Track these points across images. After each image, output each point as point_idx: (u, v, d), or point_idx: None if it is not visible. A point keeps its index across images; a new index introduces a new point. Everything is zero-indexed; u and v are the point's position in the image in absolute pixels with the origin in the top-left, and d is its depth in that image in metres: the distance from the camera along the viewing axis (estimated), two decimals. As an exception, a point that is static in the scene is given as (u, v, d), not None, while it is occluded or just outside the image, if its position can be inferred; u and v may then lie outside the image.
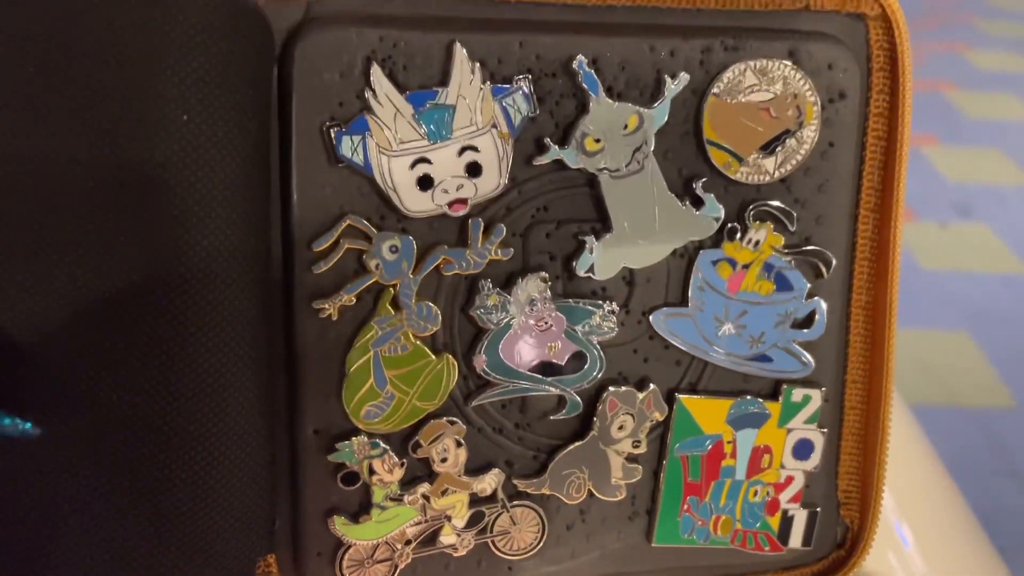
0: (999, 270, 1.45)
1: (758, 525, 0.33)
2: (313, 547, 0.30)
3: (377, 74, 0.27)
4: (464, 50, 0.27)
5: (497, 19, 0.28)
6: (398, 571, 0.30)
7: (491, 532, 0.31)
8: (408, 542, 0.30)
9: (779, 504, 0.33)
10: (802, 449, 0.33)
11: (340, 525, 0.29)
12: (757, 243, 0.31)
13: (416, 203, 0.28)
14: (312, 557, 0.30)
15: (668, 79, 0.29)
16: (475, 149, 0.28)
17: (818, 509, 0.33)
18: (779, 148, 0.30)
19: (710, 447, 0.32)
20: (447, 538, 0.31)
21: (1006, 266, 1.45)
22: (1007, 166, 1.75)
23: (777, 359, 0.32)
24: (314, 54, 0.26)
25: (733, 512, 0.33)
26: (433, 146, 0.28)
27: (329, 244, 0.28)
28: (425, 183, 0.28)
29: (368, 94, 0.27)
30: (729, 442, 0.32)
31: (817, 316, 0.32)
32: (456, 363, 0.29)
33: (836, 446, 0.34)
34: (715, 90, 0.29)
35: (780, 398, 0.32)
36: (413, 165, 0.28)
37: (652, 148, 0.29)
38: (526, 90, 0.28)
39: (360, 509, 0.30)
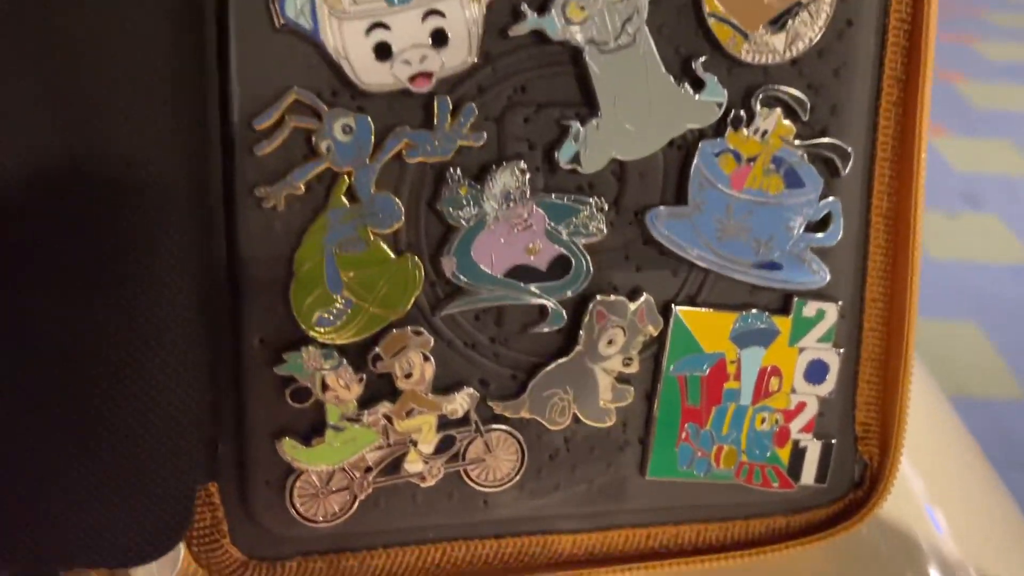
0: (1008, 260, 1.47)
1: (766, 457, 0.29)
2: (260, 474, 0.26)
3: (325, -78, 0.23)
4: None
5: None
6: (357, 502, 0.27)
7: (463, 460, 0.27)
8: (368, 469, 0.27)
9: (789, 434, 0.29)
10: (815, 371, 0.29)
11: (290, 448, 0.26)
12: (765, 133, 0.27)
13: (373, 76, 0.24)
14: (259, 486, 0.26)
15: (663, -63, 0.25)
16: (440, 14, 0.24)
17: (833, 441, 0.30)
18: (790, 23, 0.26)
19: (711, 367, 0.28)
20: (413, 465, 0.27)
21: (1015, 256, 1.47)
22: (1016, 156, 1.76)
23: (787, 267, 0.28)
24: None
25: (738, 442, 0.29)
26: (392, 9, 0.24)
27: (272, 122, 0.24)
28: (383, 52, 0.24)
29: (315, -56, 0.23)
30: (733, 362, 0.28)
31: (832, 219, 0.28)
32: (422, 265, 0.26)
33: (853, 371, 0.30)
34: (718, -48, 0.25)
35: (791, 312, 0.28)
36: (369, 30, 0.24)
37: (645, 19, 0.25)
38: (499, -55, 0.24)
39: (312, 431, 0.26)
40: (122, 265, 0.23)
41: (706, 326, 0.28)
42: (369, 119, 0.24)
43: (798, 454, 0.29)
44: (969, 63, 2.15)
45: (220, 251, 0.25)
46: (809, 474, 0.30)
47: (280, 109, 0.24)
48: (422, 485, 0.27)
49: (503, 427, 0.28)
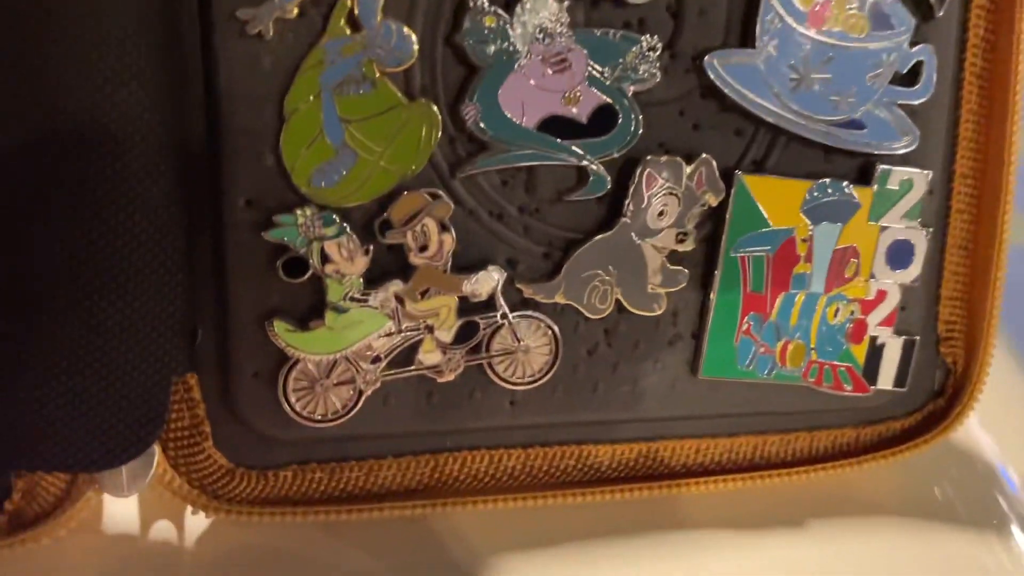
0: (1017, 242, 1.49)
1: (839, 356, 0.25)
2: (248, 364, 0.22)
3: None
4: None
5: None
6: (363, 398, 0.23)
7: (487, 351, 0.23)
8: (376, 359, 0.23)
9: (867, 328, 0.25)
10: (899, 254, 0.25)
11: (283, 332, 0.22)
12: (851, -39, 0.22)
13: None
14: (246, 378, 0.22)
15: None
16: None
17: (916, 339, 0.26)
18: None
19: (778, 246, 0.24)
20: (429, 356, 0.23)
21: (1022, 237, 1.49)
22: None
23: (872, 126, 0.24)
24: None
25: (807, 336, 0.25)
26: None
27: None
28: None
29: None
30: (804, 240, 0.24)
31: (924, 70, 0.24)
32: (439, 114, 0.21)
33: (939, 259, 0.26)
34: None
35: (873, 182, 0.24)
36: None
37: None
38: None
39: (310, 312, 0.22)
40: (88, 136, 0.19)
41: (775, 196, 0.24)
42: None
43: (875, 352, 0.25)
44: None
45: (197, 92, 0.21)
46: (887, 377, 0.26)
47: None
48: (439, 380, 0.23)
49: (534, 314, 0.23)
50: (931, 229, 0.25)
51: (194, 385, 0.22)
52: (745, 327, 0.24)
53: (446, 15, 0.21)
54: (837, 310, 0.25)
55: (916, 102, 0.24)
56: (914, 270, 0.25)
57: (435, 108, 0.21)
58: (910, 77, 0.24)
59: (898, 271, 0.25)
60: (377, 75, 0.21)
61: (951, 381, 0.27)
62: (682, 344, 0.25)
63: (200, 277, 0.22)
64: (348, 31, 0.21)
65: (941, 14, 0.23)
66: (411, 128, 0.21)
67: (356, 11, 0.21)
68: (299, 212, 0.21)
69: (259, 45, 0.20)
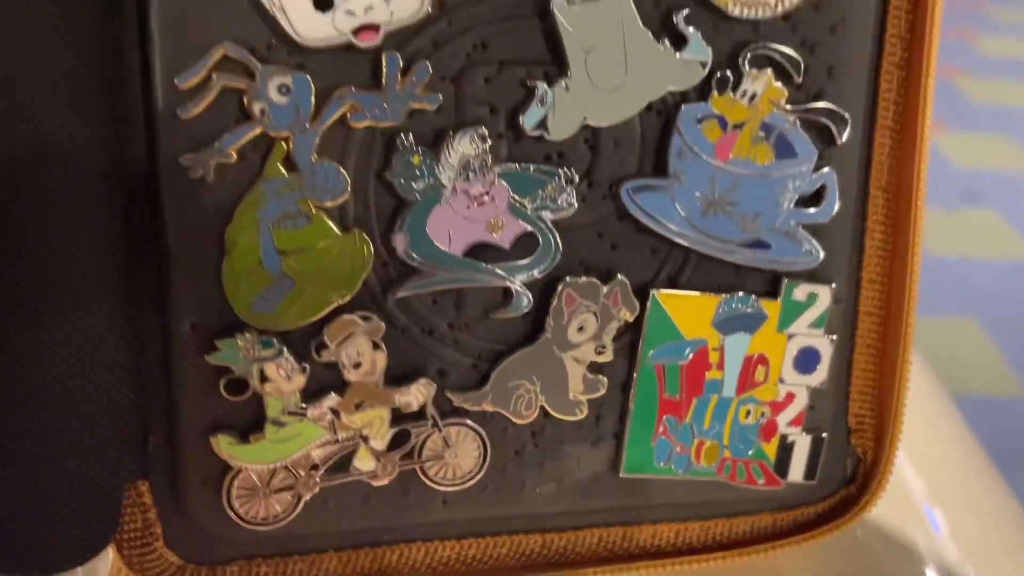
0: (1008, 256, 1.46)
1: (751, 453, 0.27)
2: (195, 473, 0.24)
3: None
4: None
5: None
6: (303, 503, 0.25)
7: (419, 457, 0.25)
8: (314, 467, 0.24)
9: (777, 427, 0.27)
10: (806, 360, 0.27)
11: (226, 446, 0.24)
12: (753, 97, 0.24)
13: (312, 28, 0.22)
14: (193, 485, 0.24)
15: None
16: (389, -42, 0.21)
17: (824, 435, 0.27)
18: (783, -25, 0.24)
19: (692, 355, 0.26)
20: (364, 463, 0.25)
21: (1015, 252, 1.46)
22: (1016, 152, 1.76)
23: (776, 246, 0.25)
24: None
25: (720, 436, 0.27)
26: (333, -47, 0.21)
27: (199, 79, 0.21)
28: (324, 2, 0.21)
29: None
30: (715, 349, 0.26)
31: (827, 193, 0.25)
32: (371, 243, 0.23)
33: (848, 359, 0.28)
34: None
35: (780, 296, 0.26)
36: (307, -24, 0.21)
37: (621, -36, 0.23)
38: None
39: (251, 426, 0.24)
40: (32, 256, 0.21)
41: (687, 311, 0.25)
42: (308, 78, 0.22)
43: (785, 449, 0.27)
44: (969, 59, 2.15)
45: (145, 228, 0.22)
46: (797, 471, 0.28)
47: (207, 66, 0.21)
48: (374, 484, 0.25)
49: (464, 421, 0.25)
50: (835, 336, 0.27)
51: (145, 491, 0.24)
52: (662, 429, 0.26)
53: (377, 154, 0.23)
54: (748, 411, 0.27)
55: (821, 221, 0.26)
56: (820, 374, 0.27)
57: (367, 238, 0.23)
58: (816, 197, 0.26)
59: (805, 375, 0.27)
60: (313, 210, 0.23)
61: (862, 469, 0.29)
62: (604, 444, 0.26)
63: (150, 388, 0.24)
64: (284, 172, 0.22)
65: (843, 140, 0.25)
66: (345, 257, 0.23)
67: (292, 154, 0.22)
68: (239, 337, 0.23)
69: (202, 187, 0.22)
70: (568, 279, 0.24)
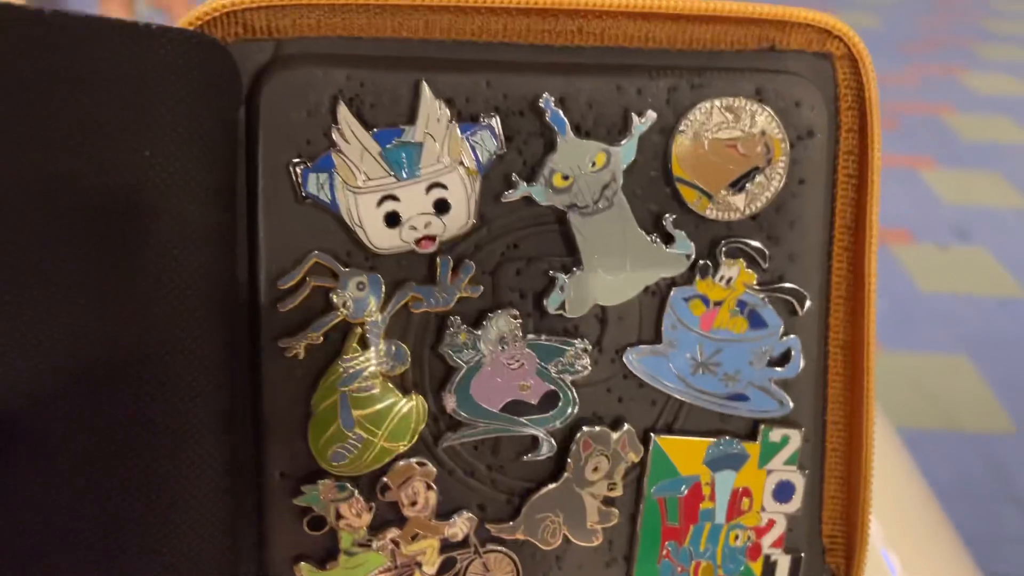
0: (998, 293, 1.45)
1: (740, 571, 0.32)
2: (279, 598, 0.29)
3: (344, 112, 0.27)
4: (430, 88, 0.27)
5: (464, 59, 0.28)
6: (368, 622, 0.29)
7: (463, 578, 0.30)
8: (378, 591, 0.29)
9: (761, 549, 0.32)
10: (783, 491, 0.32)
11: (307, 572, 0.29)
12: (729, 280, 0.30)
13: (383, 240, 0.28)
14: (278, 609, 0.29)
15: (635, 117, 0.29)
16: (443, 186, 0.28)
17: (802, 554, 0.32)
18: (748, 185, 0.30)
19: (688, 489, 0.31)
20: (418, 586, 0.30)
21: (1005, 290, 1.45)
22: (1005, 189, 1.75)
23: (754, 398, 0.31)
24: (281, 93, 0.26)
25: (714, 557, 0.32)
26: (400, 183, 0.28)
27: (295, 281, 0.27)
28: (392, 220, 0.28)
29: (335, 132, 0.27)
30: (707, 484, 0.31)
31: (793, 354, 0.31)
32: (426, 403, 0.29)
33: (819, 489, 0.33)
34: (682, 128, 0.29)
35: (758, 438, 0.31)
36: (380, 202, 0.28)
37: (621, 185, 0.29)
38: (494, 127, 0.28)
39: (327, 556, 0.29)
40: (166, 401, 0.26)
41: (682, 452, 0.31)
42: (380, 277, 0.28)
43: (769, 568, 0.32)
44: (956, 95, 2.16)
45: (245, 392, 0.28)
46: (781, 587, 0.32)
47: (302, 271, 0.27)
48: (426, 604, 0.30)
49: (500, 548, 0.30)
50: (807, 471, 0.32)
51: None
52: (665, 552, 0.31)
53: (431, 332, 0.29)
54: (736, 536, 0.32)
55: (789, 377, 0.31)
56: (795, 503, 0.32)
57: (423, 400, 0.29)
58: (784, 357, 0.31)
59: (783, 504, 0.32)
60: (381, 378, 0.29)
61: (837, 581, 0.34)
62: (616, 566, 0.31)
63: (242, 528, 0.29)
64: (359, 350, 0.28)
65: (803, 313, 0.31)
66: (404, 415, 0.29)
67: (365, 335, 0.28)
68: (321, 483, 0.28)
69: (294, 363, 0.28)
70: (585, 428, 0.30)
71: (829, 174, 0.31)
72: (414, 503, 0.29)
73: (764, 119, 0.30)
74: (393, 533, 0.29)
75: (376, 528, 0.29)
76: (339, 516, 0.29)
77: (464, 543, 0.30)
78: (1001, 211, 1.68)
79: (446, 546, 0.30)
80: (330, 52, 0.27)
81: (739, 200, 0.30)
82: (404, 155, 0.27)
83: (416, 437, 0.29)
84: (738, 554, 0.32)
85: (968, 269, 1.51)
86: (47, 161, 0.23)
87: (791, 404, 0.31)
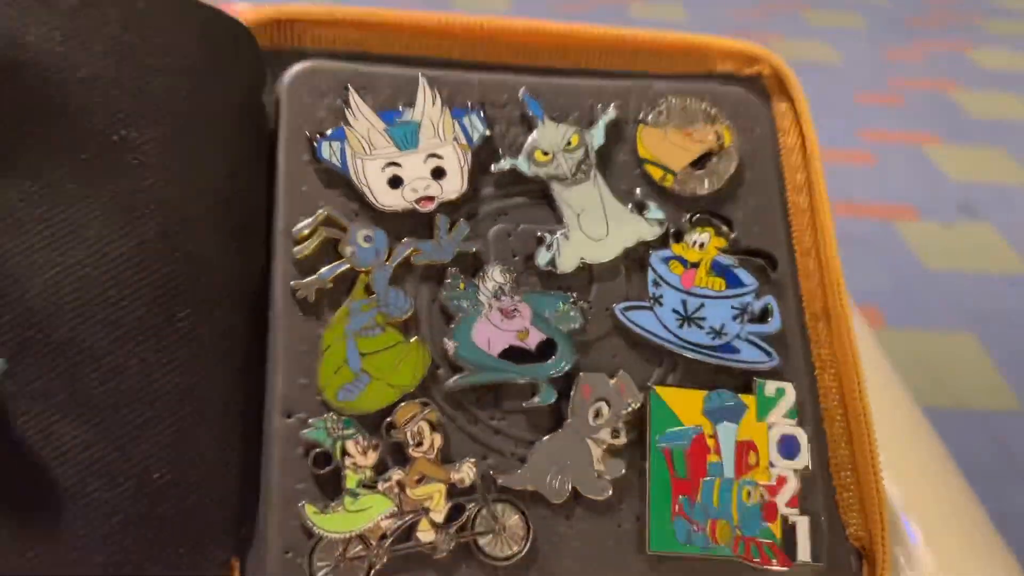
0: (1004, 271, 1.42)
1: (759, 531, 0.31)
2: (280, 543, 0.28)
3: (353, 95, 0.32)
4: (426, 80, 0.33)
5: (455, 61, 0.34)
6: (374, 572, 0.28)
7: (472, 529, 0.29)
8: (383, 537, 0.28)
9: (776, 508, 0.31)
10: (788, 446, 0.32)
11: (311, 513, 0.28)
12: (702, 245, 0.34)
13: (387, 199, 0.31)
14: (278, 554, 0.28)
15: (599, 108, 0.34)
16: (439, 156, 0.32)
17: (822, 517, 0.32)
18: (707, 164, 0.34)
19: (692, 440, 0.31)
20: (425, 535, 0.29)
21: (1012, 266, 1.42)
22: (1012, 166, 1.70)
23: (744, 350, 0.33)
24: (302, 80, 0.32)
25: (729, 516, 0.31)
26: (402, 153, 0.32)
27: (308, 232, 0.30)
28: (395, 183, 0.32)
29: (346, 111, 0.32)
30: (711, 436, 0.31)
31: (771, 310, 0.33)
32: (429, 349, 0.30)
33: (823, 449, 0.33)
34: (644, 119, 0.34)
35: (753, 390, 0.32)
36: (384, 167, 0.32)
37: (594, 163, 0.33)
38: (481, 112, 0.33)
39: (331, 498, 0.28)
40: (200, 340, 0.28)
41: (681, 402, 0.32)
42: (384, 231, 0.31)
43: (789, 530, 0.31)
44: (963, 71, 2.11)
45: (255, 339, 0.30)
46: (804, 550, 0.31)
47: (315, 222, 0.30)
48: (434, 557, 0.29)
49: (509, 498, 0.30)
50: (809, 427, 0.32)
51: (235, 566, 0.28)
52: (678, 507, 0.30)
53: (432, 282, 0.31)
54: (749, 492, 0.31)
55: (770, 332, 0.33)
56: (803, 459, 0.32)
57: (426, 345, 0.30)
58: (764, 315, 0.33)
59: (790, 460, 0.32)
60: (385, 323, 0.30)
61: (866, 563, 0.32)
62: (628, 526, 0.30)
63: (248, 477, 0.29)
64: (365, 295, 0.30)
65: (776, 273, 0.34)
66: (409, 359, 0.30)
67: (371, 283, 0.30)
68: (327, 418, 0.29)
69: (304, 305, 0.30)
70: (582, 374, 0.31)
71: (776, 163, 0.35)
72: (419, 444, 0.29)
73: (713, 112, 0.35)
74: (398, 475, 0.29)
75: (381, 470, 0.29)
76: (345, 453, 0.29)
77: (471, 490, 0.29)
78: (1008, 188, 1.63)
79: (453, 493, 0.29)
80: (343, 52, 0.33)
81: (700, 176, 0.34)
82: (405, 130, 0.32)
83: (419, 378, 0.30)
84: (754, 513, 0.31)
85: (974, 246, 1.46)
86: None
87: (778, 358, 0.33)
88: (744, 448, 0.32)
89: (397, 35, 0.34)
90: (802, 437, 0.32)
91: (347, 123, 0.32)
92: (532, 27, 0.34)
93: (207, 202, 0.29)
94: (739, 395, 0.32)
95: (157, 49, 0.28)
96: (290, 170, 0.31)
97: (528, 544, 0.29)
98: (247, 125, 0.31)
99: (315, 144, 0.31)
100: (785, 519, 0.31)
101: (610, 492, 0.30)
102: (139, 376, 0.27)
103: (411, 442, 0.29)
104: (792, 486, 0.31)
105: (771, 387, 0.32)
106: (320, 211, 0.31)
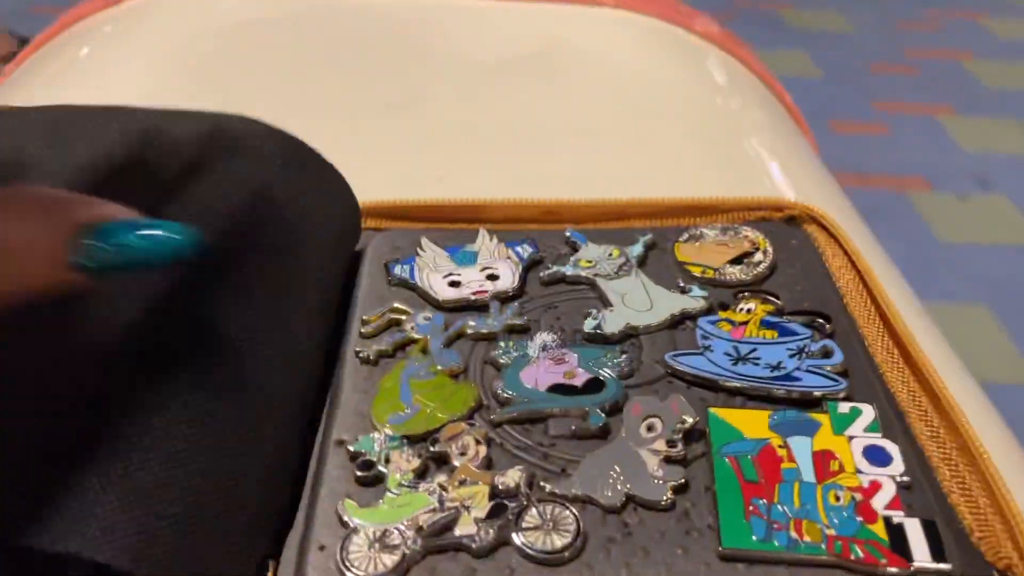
0: (1018, 242, 1.39)
1: (857, 532, 0.26)
2: (317, 540, 0.27)
3: (423, 238, 0.39)
4: (485, 230, 0.39)
5: (512, 217, 0.40)
6: (406, 559, 0.26)
7: (517, 526, 0.27)
8: (419, 529, 0.27)
9: (874, 510, 0.27)
10: (876, 455, 0.29)
11: (349, 507, 0.27)
12: (750, 310, 0.35)
13: (447, 294, 0.36)
14: (313, 550, 0.27)
15: (638, 234, 0.39)
16: (494, 268, 0.37)
17: (935, 520, 0.27)
18: (745, 260, 0.37)
19: (761, 449, 0.29)
20: (465, 528, 0.27)
21: None
22: None
23: (805, 379, 0.31)
24: (383, 238, 0.39)
25: (816, 515, 0.27)
26: (461, 267, 0.37)
27: (376, 317, 0.35)
28: (454, 284, 0.36)
29: (417, 248, 0.38)
30: (781, 447, 0.29)
31: (831, 349, 0.33)
32: (477, 387, 0.32)
33: (921, 459, 0.29)
34: (679, 239, 0.39)
35: (825, 408, 0.30)
36: (445, 277, 0.37)
37: (635, 265, 0.37)
38: (534, 241, 0.38)
39: (372, 500, 0.28)
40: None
41: (744, 420, 0.30)
42: (442, 314, 0.35)
43: (896, 530, 0.26)
44: (978, 40, 2.08)
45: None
46: (921, 552, 0.26)
47: (384, 310, 0.35)
48: (474, 547, 0.26)
49: (557, 499, 0.28)
50: (899, 441, 0.29)
51: (271, 568, 0.27)
52: (752, 508, 0.27)
53: (484, 345, 0.34)
54: (837, 496, 0.27)
55: (835, 364, 0.32)
56: (897, 466, 0.28)
57: (476, 385, 0.32)
58: (825, 354, 0.32)
59: (882, 467, 0.28)
60: (438, 370, 0.32)
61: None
62: (701, 532, 0.27)
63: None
64: (422, 355, 0.33)
65: (832, 327, 0.34)
66: (459, 394, 0.31)
67: (427, 346, 0.33)
68: (375, 432, 0.30)
69: (367, 362, 0.33)
70: (632, 396, 0.31)
71: (818, 258, 0.38)
72: (463, 453, 0.29)
73: (746, 231, 0.39)
74: (441, 479, 0.28)
75: (423, 474, 0.29)
76: (388, 460, 0.29)
77: (515, 493, 0.28)
78: (1022, 159, 1.63)
79: (496, 494, 0.28)
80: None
81: (739, 269, 0.37)
82: (465, 255, 0.38)
83: (468, 409, 0.31)
84: (846, 512, 0.27)
85: (988, 218, 1.46)
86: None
87: (845, 383, 0.31)
88: (823, 456, 0.29)
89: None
90: (892, 448, 0.29)
91: (417, 253, 0.38)
92: (561, 203, 0.41)
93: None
94: (809, 412, 0.30)
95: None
96: (370, 282, 0.37)
97: (579, 539, 0.26)
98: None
99: (388, 266, 0.37)
100: (888, 519, 0.27)
101: (670, 495, 0.28)
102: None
103: (455, 452, 0.29)
104: (890, 490, 0.27)
105: (845, 407, 0.30)
106: (388, 304, 0.35)
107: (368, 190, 0.39)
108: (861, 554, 0.26)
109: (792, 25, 2.20)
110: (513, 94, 0.54)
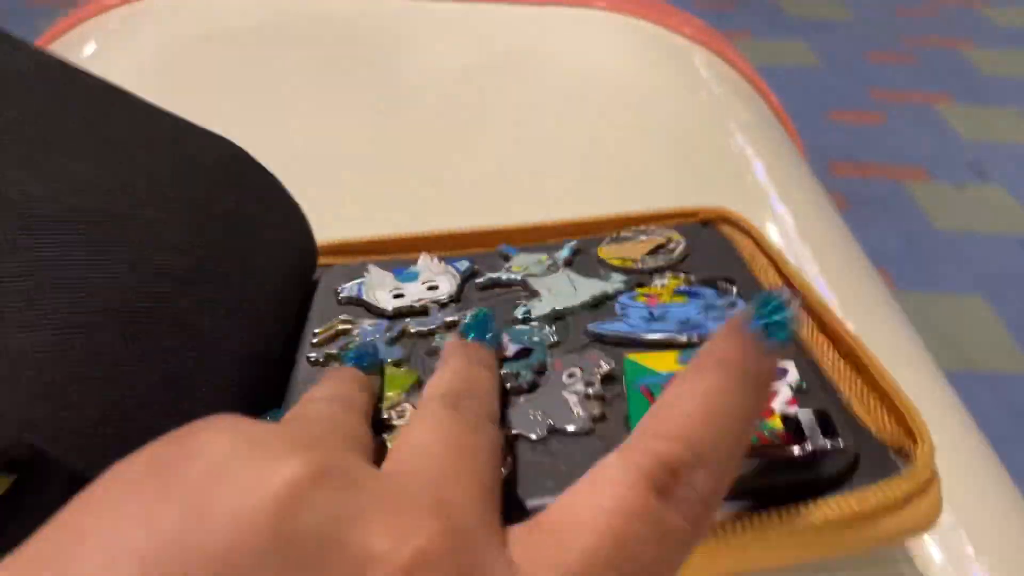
0: (1015, 231, 1.37)
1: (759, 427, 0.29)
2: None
3: (371, 265, 0.43)
4: (426, 254, 0.44)
5: (450, 246, 0.45)
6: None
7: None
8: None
9: (771, 407, 0.30)
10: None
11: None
12: (663, 284, 0.38)
13: (391, 304, 0.40)
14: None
15: (564, 241, 0.43)
16: (434, 281, 0.41)
17: (828, 410, 0.29)
18: (660, 251, 0.41)
19: (670, 379, 0.32)
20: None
21: (1022, 228, 1.36)
22: None
23: (711, 326, 0.35)
24: (334, 274, 0.43)
25: (719, 419, 0.29)
26: (404, 284, 0.41)
27: (326, 328, 0.39)
28: (398, 297, 0.40)
29: (364, 273, 0.42)
30: (689, 375, 0.32)
31: (737, 302, 0.36)
32: (418, 371, 0.35)
33: (820, 377, 0.32)
34: (601, 243, 0.43)
35: (728, 344, 0.33)
36: (391, 291, 0.41)
37: (562, 266, 0.41)
38: (469, 259, 0.43)
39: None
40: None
41: (656, 360, 0.33)
42: (387, 320, 0.38)
43: (790, 420, 0.29)
44: (977, 29, 2.04)
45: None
46: (816, 435, 0.28)
47: (333, 325, 0.39)
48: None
49: (485, 438, 0.30)
50: (796, 359, 0.32)
51: None
52: (662, 422, 0.30)
53: (425, 339, 0.37)
54: (739, 403, 0.30)
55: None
56: (792, 375, 0.31)
57: (416, 370, 0.35)
58: (732, 307, 0.36)
59: (779, 379, 0.31)
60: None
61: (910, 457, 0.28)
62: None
63: None
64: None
65: (737, 290, 0.37)
66: (400, 377, 0.35)
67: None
68: (322, 407, 0.33)
69: (316, 367, 0.36)
70: (553, 353, 0.34)
71: (730, 246, 0.42)
72: (401, 416, 0.32)
73: (664, 230, 0.43)
74: (385, 436, 0.31)
75: (366, 434, 0.31)
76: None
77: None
78: (1020, 148, 1.60)
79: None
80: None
81: (655, 258, 0.41)
82: (408, 275, 0.42)
83: (409, 385, 0.34)
84: (746, 414, 0.29)
85: (985, 207, 1.44)
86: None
87: (749, 320, 0.34)
88: (726, 378, 0.31)
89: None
90: (788, 363, 0.32)
91: (364, 276, 0.42)
92: (502, 230, 0.46)
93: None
94: (714, 351, 0.33)
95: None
96: (321, 306, 0.40)
97: (505, 471, 0.29)
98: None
99: (337, 289, 0.41)
100: (784, 416, 0.29)
101: (590, 424, 0.30)
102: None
103: (396, 416, 0.32)
104: (785, 393, 0.30)
105: (746, 341, 0.33)
106: (336, 319, 0.39)
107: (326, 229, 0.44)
108: (757, 439, 0.28)
109: (790, 14, 2.18)
110: (489, 99, 0.56)
